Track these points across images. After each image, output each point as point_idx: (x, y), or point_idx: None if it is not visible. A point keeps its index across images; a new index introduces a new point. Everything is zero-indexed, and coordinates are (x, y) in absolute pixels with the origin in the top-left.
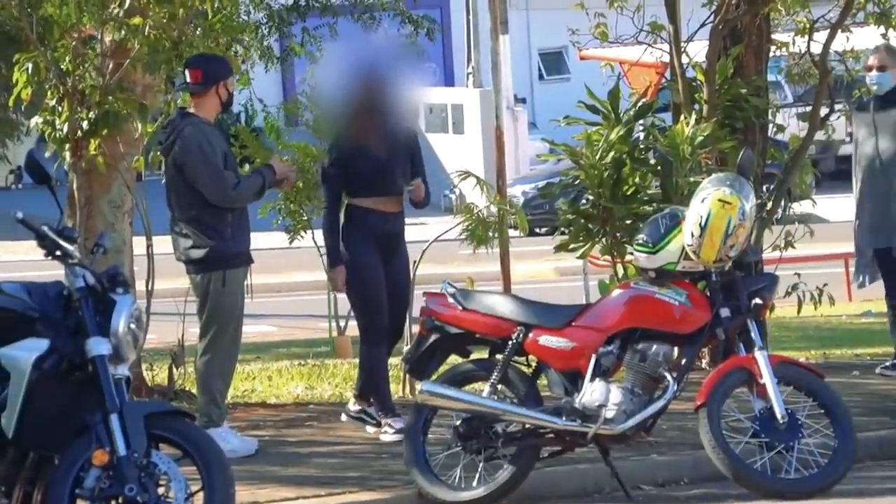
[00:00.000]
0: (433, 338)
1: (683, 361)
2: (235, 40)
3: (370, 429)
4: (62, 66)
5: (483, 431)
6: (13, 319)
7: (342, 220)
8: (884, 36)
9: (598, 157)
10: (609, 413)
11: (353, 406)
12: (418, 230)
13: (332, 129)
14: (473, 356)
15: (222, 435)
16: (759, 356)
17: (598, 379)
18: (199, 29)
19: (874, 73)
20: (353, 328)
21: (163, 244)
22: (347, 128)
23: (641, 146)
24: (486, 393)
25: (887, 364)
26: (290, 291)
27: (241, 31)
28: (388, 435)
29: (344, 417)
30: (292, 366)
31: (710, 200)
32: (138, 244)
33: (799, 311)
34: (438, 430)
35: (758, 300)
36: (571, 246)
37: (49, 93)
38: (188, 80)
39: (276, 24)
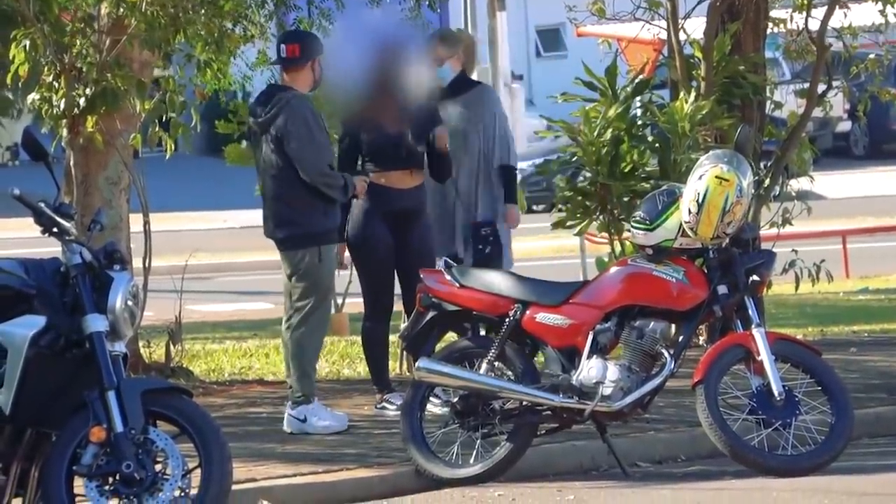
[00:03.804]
0: (430, 315)
1: (681, 338)
2: (242, 17)
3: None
4: (64, 40)
5: (480, 408)
6: (10, 296)
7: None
8: (881, 12)
9: (595, 133)
10: (606, 390)
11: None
12: None
13: (341, 103)
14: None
15: (315, 410)
16: (757, 333)
17: (595, 356)
18: (203, 8)
19: (437, 67)
20: (349, 305)
21: (160, 221)
22: (357, 101)
23: (639, 123)
24: (483, 370)
25: None
26: None
27: (247, 8)
28: (391, 411)
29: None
30: None
31: (708, 177)
32: (135, 221)
33: (797, 288)
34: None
35: (755, 277)
36: (569, 223)
37: (46, 69)
38: (283, 54)
39: None
